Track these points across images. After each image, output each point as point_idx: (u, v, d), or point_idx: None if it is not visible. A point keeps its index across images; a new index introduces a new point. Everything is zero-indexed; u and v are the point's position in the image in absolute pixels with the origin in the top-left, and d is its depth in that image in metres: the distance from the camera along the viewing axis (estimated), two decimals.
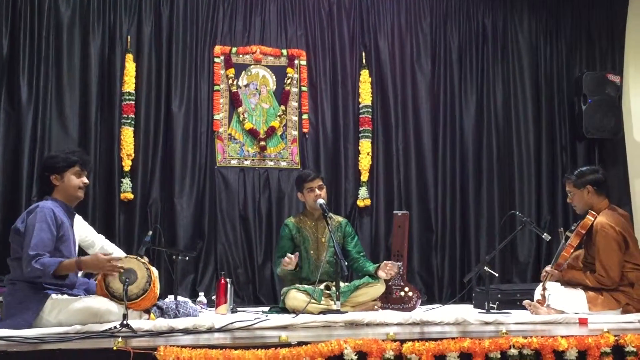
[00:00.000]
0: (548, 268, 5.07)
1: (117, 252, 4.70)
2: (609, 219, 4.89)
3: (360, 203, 6.79)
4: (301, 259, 5.46)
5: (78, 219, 4.56)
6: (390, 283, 5.38)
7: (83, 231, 4.65)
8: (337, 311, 4.81)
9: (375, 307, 5.26)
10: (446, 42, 7.20)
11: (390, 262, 5.30)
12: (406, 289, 5.35)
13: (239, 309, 5.41)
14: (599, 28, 7.46)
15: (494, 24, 7.28)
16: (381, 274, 5.21)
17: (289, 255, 5.14)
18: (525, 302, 5.02)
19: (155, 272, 4.34)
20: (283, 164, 6.76)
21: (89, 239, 4.71)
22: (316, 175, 5.52)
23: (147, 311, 4.30)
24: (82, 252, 4.67)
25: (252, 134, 6.68)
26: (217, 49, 6.68)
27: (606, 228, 4.83)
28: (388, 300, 5.38)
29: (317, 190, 5.40)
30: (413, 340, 3.37)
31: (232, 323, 4.06)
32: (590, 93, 6.95)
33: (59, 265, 3.91)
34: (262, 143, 6.66)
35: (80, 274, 4.30)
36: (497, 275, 5.79)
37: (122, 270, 3.99)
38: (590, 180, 5.02)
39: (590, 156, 7.20)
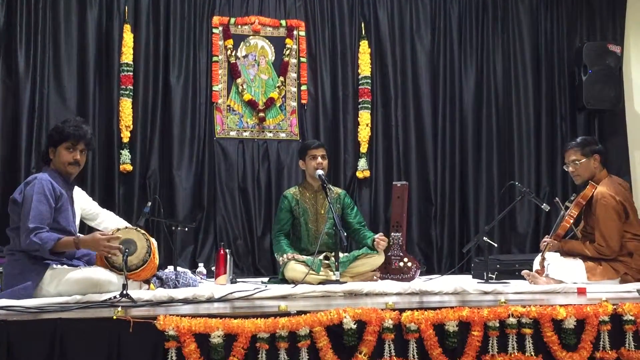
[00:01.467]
0: (547, 238, 5.08)
1: (120, 223, 4.69)
2: (609, 188, 4.89)
3: (359, 174, 6.79)
4: (300, 231, 5.48)
5: (80, 191, 4.56)
6: (389, 253, 5.39)
7: (86, 204, 4.64)
8: (336, 281, 4.82)
9: (375, 277, 5.28)
10: (446, 13, 7.15)
11: (380, 235, 5.30)
12: (405, 259, 5.36)
13: (238, 279, 5.43)
14: None
15: None
16: (376, 246, 5.24)
17: (288, 255, 5.19)
18: (524, 272, 5.03)
19: (154, 243, 4.35)
20: (282, 136, 6.74)
21: (92, 211, 4.70)
22: (321, 144, 5.55)
23: (147, 281, 4.32)
24: (84, 224, 4.67)
25: (251, 105, 6.65)
26: (216, 19, 6.64)
27: (606, 197, 4.83)
28: (387, 270, 5.39)
29: (319, 158, 5.41)
30: (412, 309, 3.39)
31: (231, 293, 4.07)
32: (591, 63, 6.91)
33: (57, 242, 3.90)
34: (261, 114, 6.64)
35: None
36: (496, 245, 5.81)
37: (118, 253, 3.98)
38: (597, 149, 5.03)
39: (590, 127, 7.18)
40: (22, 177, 5.72)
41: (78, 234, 4.21)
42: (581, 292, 4.35)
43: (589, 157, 5.01)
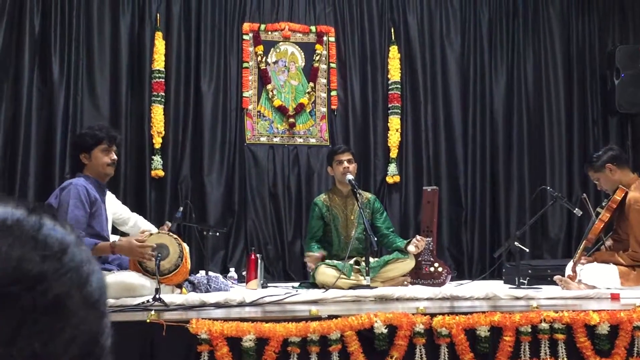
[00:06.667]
0: (571, 265, 5.00)
1: (150, 229, 4.74)
2: None
3: (389, 179, 6.78)
4: (330, 237, 5.48)
5: (110, 196, 4.61)
6: (419, 258, 5.38)
7: (116, 208, 4.70)
8: (367, 286, 4.82)
9: (405, 282, 5.26)
10: (476, 17, 7.12)
11: (420, 236, 5.31)
12: (436, 264, 5.34)
13: (269, 284, 5.44)
14: (632, 0, 7.33)
15: None
16: (411, 247, 5.22)
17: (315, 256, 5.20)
18: (556, 278, 4.98)
19: (186, 247, 4.39)
20: (312, 141, 6.76)
21: (123, 216, 4.75)
22: (347, 149, 5.53)
23: (179, 286, 4.35)
24: (114, 228, 4.73)
25: (281, 111, 6.68)
26: (246, 26, 6.68)
27: None
28: (418, 275, 5.38)
29: (345, 163, 5.39)
30: (443, 314, 3.38)
31: (262, 297, 4.09)
32: (623, 67, 6.83)
33: (94, 247, 3.96)
34: (291, 120, 6.67)
35: None
36: (527, 250, 5.76)
37: (152, 258, 4.03)
38: (607, 158, 4.95)
39: (623, 131, 7.11)
40: (56, 183, 5.79)
41: (113, 240, 4.26)
42: (614, 297, 4.30)
43: (603, 170, 4.95)
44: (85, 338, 0.69)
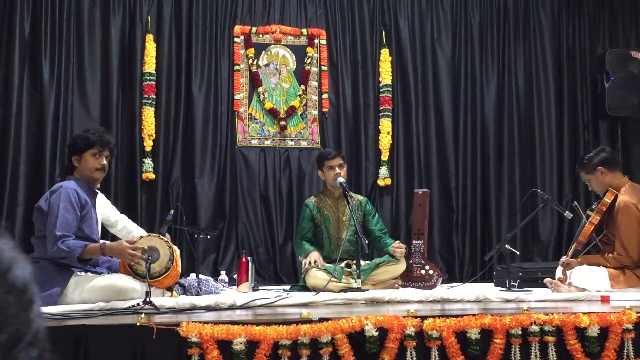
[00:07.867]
0: (564, 259, 5.03)
1: (139, 232, 4.74)
2: (632, 197, 4.85)
3: (380, 182, 6.78)
4: (322, 238, 5.48)
5: (101, 197, 4.60)
6: (411, 261, 5.39)
7: (105, 210, 4.69)
8: (358, 289, 4.82)
9: (396, 285, 5.27)
10: (467, 20, 7.14)
11: (397, 243, 5.31)
12: (427, 267, 5.35)
13: (260, 287, 5.44)
14: (622, 4, 7.36)
15: (516, 1, 7.21)
16: (394, 254, 5.25)
17: (314, 257, 5.19)
18: (547, 280, 5.00)
19: (177, 250, 4.38)
20: (303, 144, 6.76)
21: (112, 219, 4.74)
22: (337, 154, 5.51)
23: (170, 289, 4.35)
24: (104, 230, 4.72)
25: (273, 113, 6.68)
26: (237, 28, 6.68)
27: (629, 206, 4.79)
28: (409, 278, 5.39)
29: (337, 168, 5.40)
30: (434, 316, 3.39)
31: (253, 300, 4.09)
32: (614, 70, 6.87)
33: (84, 249, 3.96)
34: (283, 123, 6.66)
35: None
36: (518, 253, 5.78)
37: (141, 261, 4.02)
38: (598, 161, 4.98)
39: (614, 134, 7.14)
40: (46, 186, 5.77)
41: (103, 241, 4.26)
42: (604, 300, 4.31)
43: (594, 172, 4.98)
44: (12, 325, 0.69)
